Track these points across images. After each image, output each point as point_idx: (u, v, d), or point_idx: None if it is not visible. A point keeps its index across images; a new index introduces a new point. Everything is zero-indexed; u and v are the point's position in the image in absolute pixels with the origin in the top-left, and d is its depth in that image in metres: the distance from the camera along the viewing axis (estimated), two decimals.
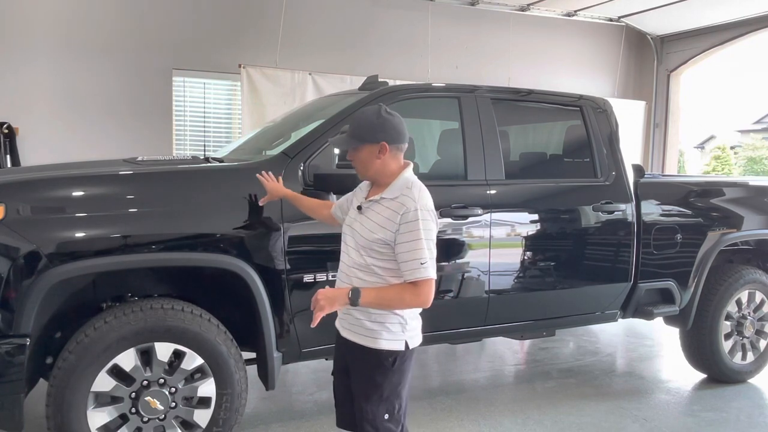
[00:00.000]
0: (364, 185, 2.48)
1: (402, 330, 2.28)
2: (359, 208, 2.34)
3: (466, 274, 3.56)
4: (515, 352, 5.41)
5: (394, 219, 2.19)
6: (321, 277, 3.17)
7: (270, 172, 3.00)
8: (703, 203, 4.43)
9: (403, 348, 2.28)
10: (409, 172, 2.32)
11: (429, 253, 2.18)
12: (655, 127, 9.89)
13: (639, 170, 4.28)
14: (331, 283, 3.19)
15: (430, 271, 2.17)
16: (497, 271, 3.69)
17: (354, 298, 2.16)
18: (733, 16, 8.58)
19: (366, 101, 3.45)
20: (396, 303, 2.22)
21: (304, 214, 3.09)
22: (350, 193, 2.59)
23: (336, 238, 3.17)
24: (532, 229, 3.80)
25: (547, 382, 4.58)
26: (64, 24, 6.83)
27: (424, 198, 2.24)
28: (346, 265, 2.35)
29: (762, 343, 4.69)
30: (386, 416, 2.29)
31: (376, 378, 2.27)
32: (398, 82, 4.89)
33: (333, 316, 2.46)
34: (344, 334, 2.38)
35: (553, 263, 3.86)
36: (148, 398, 2.82)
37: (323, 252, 3.17)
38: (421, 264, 2.16)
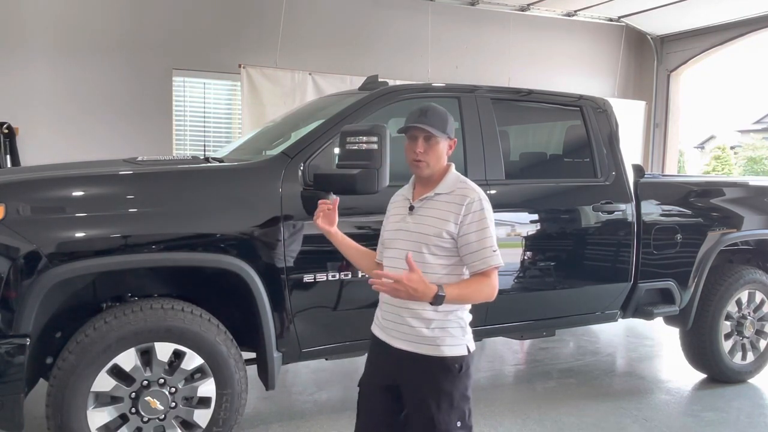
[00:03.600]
0: (398, 198, 2.37)
1: (462, 334, 2.23)
2: (411, 208, 2.26)
3: None
4: (515, 352, 5.41)
5: (458, 211, 2.16)
6: (321, 277, 3.16)
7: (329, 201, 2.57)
8: (703, 203, 4.43)
9: (466, 352, 2.22)
10: (454, 170, 2.31)
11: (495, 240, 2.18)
12: (655, 127, 9.90)
13: (639, 170, 4.28)
14: (332, 283, 3.21)
15: (500, 258, 2.17)
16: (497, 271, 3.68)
17: (438, 301, 2.04)
18: (733, 16, 8.59)
19: (366, 101, 3.46)
20: (475, 297, 2.17)
21: (304, 214, 3.10)
22: (384, 225, 2.41)
23: None
24: (532, 229, 3.80)
25: (547, 382, 4.58)
26: (64, 24, 6.83)
27: (480, 189, 2.24)
28: (395, 270, 2.18)
29: (762, 343, 4.69)
30: (458, 423, 2.19)
31: (444, 386, 2.17)
32: (398, 82, 4.88)
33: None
34: (397, 344, 2.23)
35: (553, 263, 3.86)
36: (148, 398, 2.82)
37: (323, 252, 3.16)
38: (493, 251, 2.16)
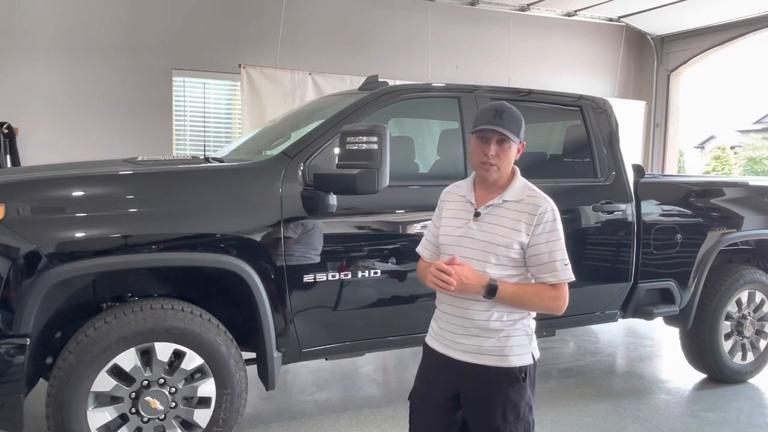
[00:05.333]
0: (454, 198, 2.24)
1: (529, 341, 2.15)
2: (477, 214, 2.14)
3: None
4: None
5: (530, 221, 2.08)
6: (321, 277, 3.17)
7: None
8: (703, 203, 4.43)
9: (531, 361, 2.15)
10: (520, 174, 2.21)
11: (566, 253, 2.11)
12: (655, 127, 9.90)
13: (639, 170, 4.28)
14: (332, 283, 3.21)
15: (571, 273, 2.10)
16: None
17: (491, 291, 2.01)
18: (733, 16, 8.59)
19: (366, 101, 3.46)
20: (533, 303, 2.09)
21: (304, 214, 3.10)
22: (435, 222, 2.28)
23: (334, 239, 3.20)
24: None
25: (547, 382, 4.58)
26: (65, 24, 6.84)
27: (550, 198, 2.16)
28: None
29: (762, 343, 4.68)
30: None
31: (511, 397, 2.10)
32: (398, 82, 4.88)
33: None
34: (459, 357, 2.14)
35: None
36: (148, 398, 2.82)
37: (323, 252, 3.17)
38: (564, 265, 2.09)
